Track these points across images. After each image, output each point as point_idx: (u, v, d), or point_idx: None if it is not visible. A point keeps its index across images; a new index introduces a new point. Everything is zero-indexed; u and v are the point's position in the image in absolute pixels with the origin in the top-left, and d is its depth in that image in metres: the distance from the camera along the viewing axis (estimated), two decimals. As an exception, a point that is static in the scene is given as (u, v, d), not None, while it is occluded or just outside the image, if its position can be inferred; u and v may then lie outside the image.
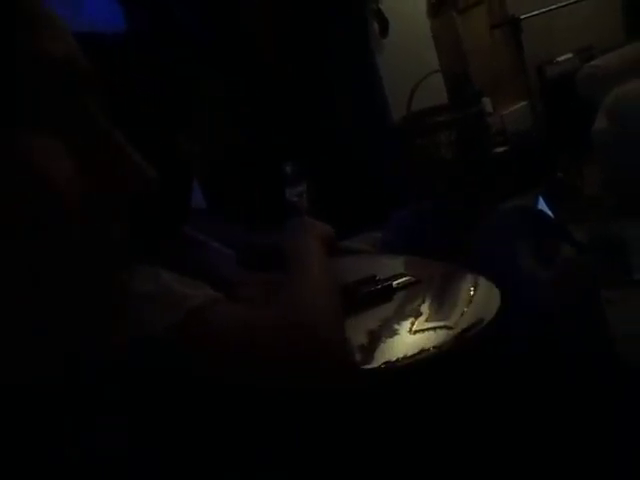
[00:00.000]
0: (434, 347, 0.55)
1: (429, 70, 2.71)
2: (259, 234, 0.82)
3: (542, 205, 2.04)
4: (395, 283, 0.66)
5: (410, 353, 0.54)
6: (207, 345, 0.50)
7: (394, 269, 0.70)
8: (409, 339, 0.57)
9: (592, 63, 2.66)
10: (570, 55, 3.11)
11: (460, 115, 2.54)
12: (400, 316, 0.61)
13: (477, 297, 0.63)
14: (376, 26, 2.68)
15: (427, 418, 0.61)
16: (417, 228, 0.99)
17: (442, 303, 0.64)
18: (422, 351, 0.55)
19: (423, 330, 0.58)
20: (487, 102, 2.78)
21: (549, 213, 1.98)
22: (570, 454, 0.70)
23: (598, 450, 0.71)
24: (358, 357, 0.55)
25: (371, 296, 0.65)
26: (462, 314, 0.59)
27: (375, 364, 0.54)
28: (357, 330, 0.59)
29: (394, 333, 0.58)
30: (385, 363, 0.53)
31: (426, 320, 0.60)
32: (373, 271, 0.70)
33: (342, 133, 2.45)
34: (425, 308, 0.62)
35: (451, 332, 0.56)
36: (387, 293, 0.65)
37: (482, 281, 0.66)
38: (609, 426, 0.73)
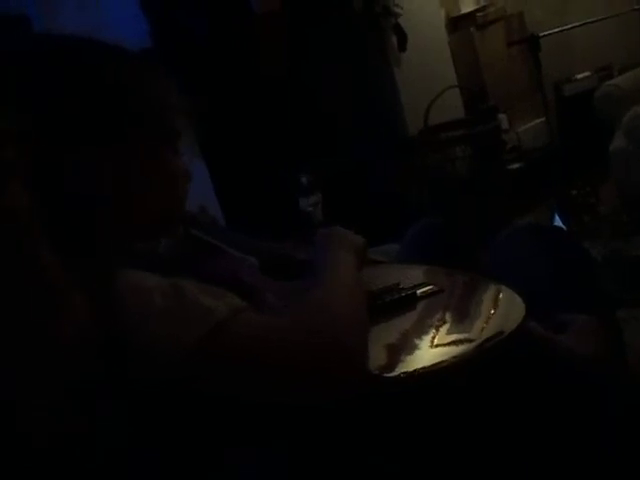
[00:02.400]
0: (454, 357, 0.55)
1: (446, 85, 2.73)
2: (279, 243, 0.83)
3: (557, 222, 2.04)
4: (419, 292, 0.67)
5: (429, 364, 0.55)
6: (234, 357, 0.50)
7: (417, 278, 0.71)
8: (430, 350, 0.58)
9: (611, 82, 2.66)
10: (588, 73, 3.12)
11: (476, 130, 2.55)
12: (422, 328, 0.62)
13: (500, 307, 0.64)
14: (395, 40, 2.70)
15: (444, 428, 0.61)
16: (431, 243, 0.99)
17: (464, 314, 0.65)
18: (442, 362, 0.55)
19: (444, 344, 0.59)
20: (503, 118, 2.79)
21: (564, 229, 1.98)
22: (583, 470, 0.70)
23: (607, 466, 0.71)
24: (378, 365, 0.55)
25: (395, 304, 0.65)
26: (484, 326, 0.60)
27: (394, 373, 0.54)
28: (378, 341, 0.59)
29: (415, 347, 0.59)
30: (404, 373, 0.54)
31: (447, 332, 0.60)
32: (397, 280, 0.71)
33: (358, 145, 2.47)
34: (447, 318, 0.63)
35: (472, 344, 0.57)
36: (411, 301, 0.66)
37: (505, 290, 0.66)
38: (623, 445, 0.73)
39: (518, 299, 0.63)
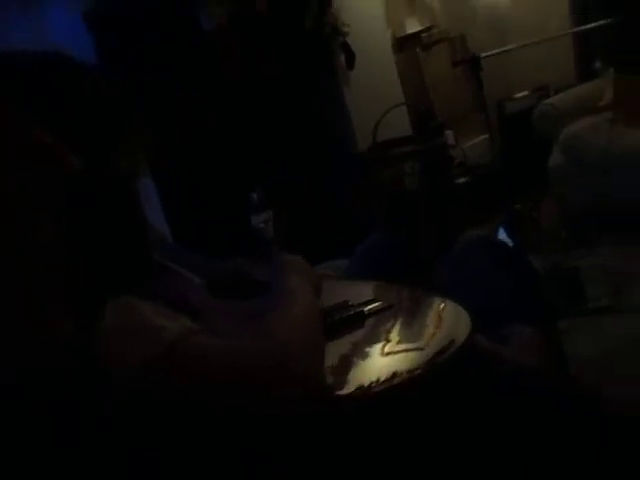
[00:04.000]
0: (408, 372, 0.55)
1: (394, 102, 2.79)
2: (227, 263, 0.82)
3: (502, 235, 2.11)
4: (367, 309, 0.67)
5: (383, 378, 0.55)
6: (185, 377, 0.49)
7: (365, 295, 0.72)
8: (381, 362, 0.58)
9: (547, 101, 2.80)
10: (527, 93, 3.26)
11: (424, 147, 2.62)
12: (372, 340, 0.62)
13: (446, 321, 0.65)
14: (343, 58, 2.75)
15: (400, 441, 0.61)
16: (379, 258, 1.00)
17: (412, 326, 0.66)
18: (395, 375, 0.55)
19: (395, 352, 0.59)
20: (450, 135, 2.87)
21: (510, 243, 2.05)
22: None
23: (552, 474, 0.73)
24: (331, 382, 0.55)
25: (343, 322, 0.65)
26: (432, 336, 0.61)
27: (348, 390, 0.54)
28: (330, 355, 0.59)
29: (366, 356, 0.59)
30: (358, 388, 0.54)
31: (398, 343, 0.61)
32: (345, 297, 0.71)
33: (309, 162, 2.49)
34: (397, 333, 0.63)
35: (423, 353, 0.57)
36: (359, 319, 0.66)
37: (450, 304, 0.67)
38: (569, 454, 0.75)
39: (464, 312, 0.65)
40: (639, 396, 1.21)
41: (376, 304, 0.68)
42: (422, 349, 0.58)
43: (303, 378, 0.52)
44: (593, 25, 2.89)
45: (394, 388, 0.55)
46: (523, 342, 0.68)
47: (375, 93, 2.81)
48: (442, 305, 0.67)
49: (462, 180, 2.76)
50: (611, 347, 1.70)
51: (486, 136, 2.95)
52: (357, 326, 0.65)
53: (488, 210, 2.63)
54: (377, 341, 0.62)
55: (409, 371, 0.56)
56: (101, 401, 0.46)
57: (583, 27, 3.05)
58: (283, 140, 2.44)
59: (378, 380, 0.54)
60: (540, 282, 0.91)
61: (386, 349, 0.60)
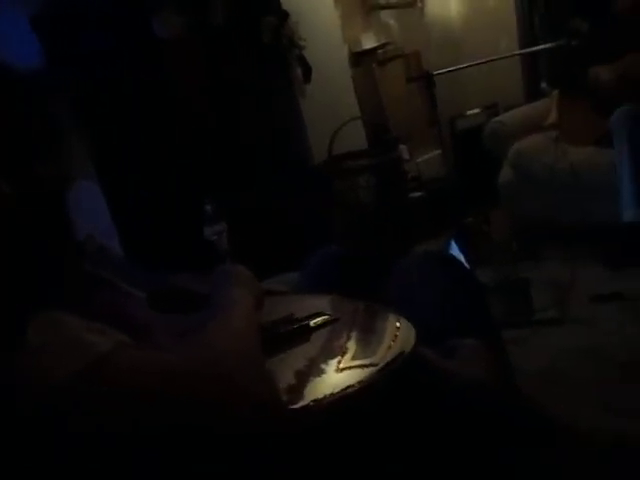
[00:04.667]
0: (359, 382, 0.56)
1: (350, 116, 2.83)
2: (173, 276, 0.80)
3: (454, 249, 2.16)
4: (312, 322, 0.67)
5: (337, 390, 0.55)
6: (116, 390, 0.48)
7: (312, 308, 0.72)
8: (336, 377, 0.58)
9: (497, 119, 2.89)
10: (478, 110, 3.37)
11: (378, 160, 2.65)
12: (327, 355, 0.62)
13: (392, 334, 0.65)
14: (299, 72, 2.77)
15: (355, 452, 0.61)
16: (329, 272, 1.00)
17: (365, 340, 0.66)
18: (348, 387, 0.55)
19: (350, 367, 0.59)
20: (404, 149, 2.92)
21: (460, 257, 2.09)
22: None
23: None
24: (285, 397, 0.54)
25: (288, 335, 0.65)
26: (386, 350, 0.61)
27: (303, 403, 0.54)
28: (284, 370, 0.58)
29: (322, 372, 0.59)
30: (313, 401, 0.53)
31: (352, 358, 0.61)
32: (291, 310, 0.70)
33: (263, 174, 2.48)
34: (349, 345, 0.63)
35: (377, 369, 0.58)
36: (304, 332, 0.66)
37: (397, 317, 0.68)
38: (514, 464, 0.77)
39: (410, 326, 0.65)
40: (582, 409, 1.25)
41: (322, 317, 0.68)
42: (377, 364, 0.58)
43: (245, 389, 0.51)
44: (539, 48, 3.01)
45: (346, 399, 0.55)
46: (469, 355, 0.69)
47: (331, 107, 2.84)
48: (394, 319, 0.68)
49: (416, 194, 2.81)
50: (556, 358, 1.75)
51: (439, 151, 3.02)
52: (303, 339, 0.65)
53: (441, 223, 2.68)
54: (332, 356, 0.61)
55: (360, 382, 0.56)
56: (23, 418, 0.44)
57: (530, 49, 3.17)
58: (237, 152, 2.43)
59: (332, 393, 0.54)
60: (485, 295, 0.93)
61: (341, 364, 0.60)
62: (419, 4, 3.49)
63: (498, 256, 2.47)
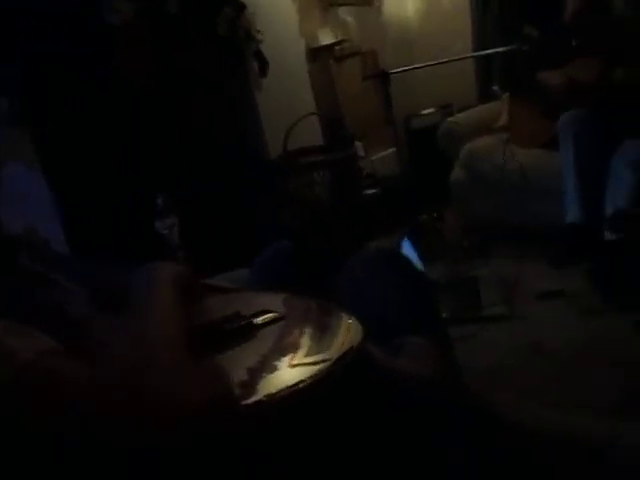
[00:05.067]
0: (311, 377, 0.55)
1: (306, 112, 2.82)
2: (116, 271, 0.77)
3: (407, 246, 2.18)
4: (258, 320, 0.66)
5: (289, 385, 0.54)
6: (37, 401, 0.45)
7: (260, 305, 0.70)
8: (289, 374, 0.57)
9: (450, 119, 2.95)
10: (433, 110, 3.42)
11: (333, 157, 2.66)
12: (278, 352, 0.61)
13: (339, 331, 0.65)
14: (256, 65, 2.74)
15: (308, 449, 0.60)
16: (280, 268, 0.99)
17: (316, 337, 0.65)
18: (300, 382, 0.55)
19: (302, 364, 0.59)
20: (359, 146, 2.94)
21: (413, 254, 2.12)
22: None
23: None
24: (238, 394, 0.53)
25: (233, 334, 0.64)
26: (337, 346, 0.61)
27: (256, 398, 0.53)
28: (235, 367, 0.57)
29: (274, 369, 0.58)
30: (266, 396, 0.53)
31: (304, 354, 0.60)
32: (238, 308, 0.69)
33: (217, 168, 2.44)
34: (301, 342, 0.63)
35: (329, 364, 0.57)
36: (250, 330, 0.65)
37: (345, 315, 0.68)
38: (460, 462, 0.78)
39: (357, 323, 0.65)
40: (528, 405, 1.28)
41: (268, 315, 0.67)
42: (328, 360, 0.58)
43: (167, 393, 0.49)
44: (491, 51, 3.08)
45: (299, 394, 0.54)
46: (416, 353, 0.69)
47: (287, 101, 2.82)
48: (344, 316, 0.68)
49: (370, 191, 2.83)
50: (503, 355, 1.80)
51: (394, 149, 3.06)
52: (249, 337, 0.64)
53: (394, 221, 2.71)
54: (284, 353, 0.61)
55: (312, 377, 0.55)
56: None
57: (482, 52, 3.25)
58: (190, 145, 2.38)
59: (285, 388, 0.54)
60: (435, 293, 0.94)
61: (293, 361, 0.60)
62: (376, 3, 3.52)
63: (449, 254, 2.52)
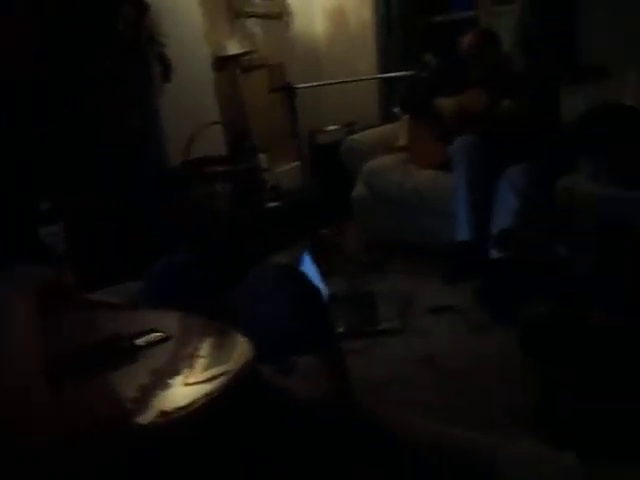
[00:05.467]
0: (204, 396, 0.54)
1: (210, 120, 2.76)
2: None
3: (307, 260, 2.19)
4: (140, 341, 0.62)
5: (182, 404, 0.52)
6: None
7: (147, 324, 0.67)
8: (180, 392, 0.56)
9: (353, 137, 3.02)
10: (337, 127, 3.50)
11: (237, 168, 2.62)
12: (172, 370, 0.59)
13: (228, 350, 0.64)
14: (159, 69, 2.64)
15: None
16: (173, 281, 0.95)
17: (206, 356, 0.63)
18: (194, 401, 0.53)
19: (194, 383, 0.57)
20: (264, 158, 2.93)
21: (313, 268, 2.13)
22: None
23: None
24: (129, 411, 0.50)
25: (112, 356, 0.60)
26: (228, 365, 0.59)
27: (148, 417, 0.50)
28: (127, 385, 0.55)
29: (167, 387, 0.56)
30: (158, 416, 0.50)
31: (195, 373, 0.59)
32: (122, 327, 0.65)
33: (111, 172, 2.31)
34: (190, 362, 0.61)
35: (217, 382, 0.56)
36: (131, 352, 0.61)
37: (234, 333, 0.66)
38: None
39: (248, 342, 0.63)
40: (421, 418, 1.32)
41: (152, 335, 0.64)
42: (219, 379, 0.57)
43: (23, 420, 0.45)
44: (392, 75, 3.22)
45: (192, 412, 0.53)
46: (308, 372, 0.68)
47: (191, 109, 2.75)
48: (234, 335, 0.66)
49: (273, 204, 2.83)
50: (396, 368, 1.85)
51: (298, 163, 3.08)
52: (131, 359, 0.60)
53: (296, 234, 2.72)
54: (176, 372, 0.58)
55: (207, 394, 0.55)
56: None
57: (384, 75, 3.38)
58: (82, 146, 2.24)
59: (178, 408, 0.52)
60: (328, 310, 0.94)
61: (184, 380, 0.58)
62: (285, 17, 3.54)
63: (349, 268, 2.57)
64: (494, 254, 2.30)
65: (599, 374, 1.39)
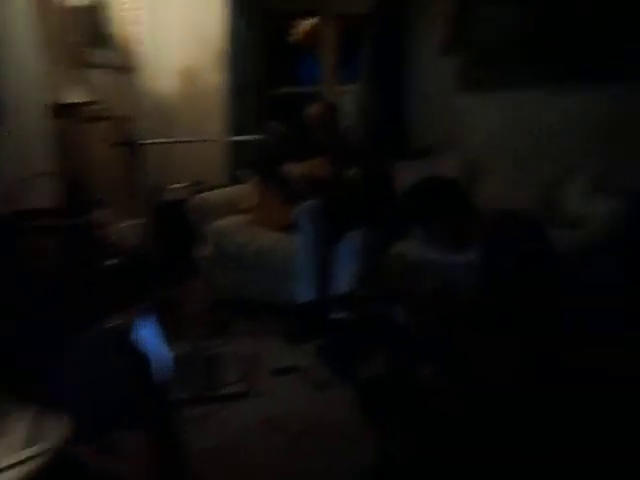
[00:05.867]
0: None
1: (45, 169, 2.57)
2: None
3: (146, 322, 2.08)
4: None
5: None
6: None
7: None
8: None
9: (200, 196, 3.01)
10: (184, 184, 3.45)
11: (72, 222, 2.45)
12: None
13: (40, 428, 0.58)
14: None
15: None
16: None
17: (20, 436, 0.56)
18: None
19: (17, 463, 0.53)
20: (103, 213, 2.77)
21: (152, 331, 2.02)
22: None
23: None
24: None
25: None
26: (37, 448, 0.54)
27: None
28: None
29: None
30: None
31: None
32: None
33: None
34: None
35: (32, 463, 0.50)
36: None
37: (50, 411, 0.60)
38: None
39: (64, 419, 0.58)
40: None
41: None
42: (34, 459, 0.51)
43: None
44: (239, 138, 3.32)
45: None
46: (126, 449, 0.64)
47: (24, 155, 2.54)
48: (53, 415, 0.60)
49: (111, 262, 2.66)
50: (239, 433, 1.80)
51: (141, 220, 2.96)
52: None
53: (136, 294, 2.58)
54: None
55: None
56: None
57: (231, 138, 3.47)
58: None
59: None
60: (152, 381, 0.90)
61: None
62: (133, 71, 3.49)
63: (191, 330, 2.48)
64: (334, 314, 2.39)
65: (430, 432, 1.45)
